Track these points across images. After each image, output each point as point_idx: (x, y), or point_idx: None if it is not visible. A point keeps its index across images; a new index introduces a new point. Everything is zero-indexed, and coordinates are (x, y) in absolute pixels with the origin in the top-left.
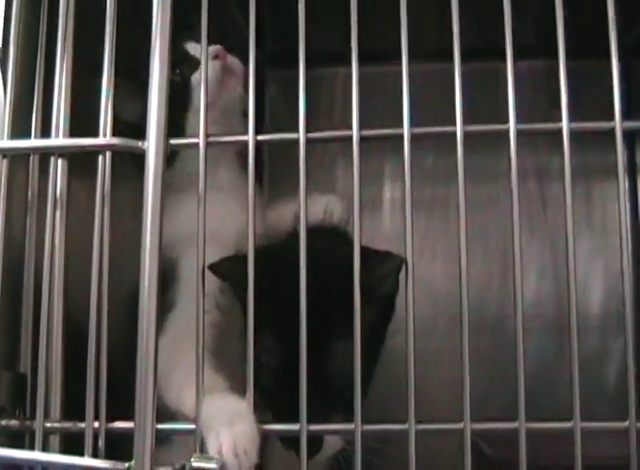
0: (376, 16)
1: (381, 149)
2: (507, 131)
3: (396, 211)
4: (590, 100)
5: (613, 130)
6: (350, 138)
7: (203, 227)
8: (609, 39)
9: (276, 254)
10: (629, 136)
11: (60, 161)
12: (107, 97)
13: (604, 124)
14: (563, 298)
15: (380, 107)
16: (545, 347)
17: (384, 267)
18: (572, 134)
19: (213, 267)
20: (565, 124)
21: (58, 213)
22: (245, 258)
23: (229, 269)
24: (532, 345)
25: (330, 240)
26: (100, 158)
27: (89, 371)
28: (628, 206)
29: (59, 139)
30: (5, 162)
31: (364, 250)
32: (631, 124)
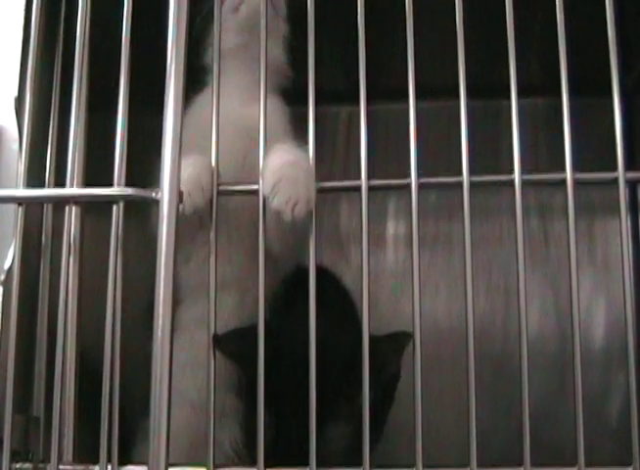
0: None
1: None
2: (512, 181)
3: (400, 248)
4: (592, 136)
5: (616, 180)
6: (359, 188)
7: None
8: (608, 77)
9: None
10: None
11: (74, 208)
12: (121, 148)
13: (607, 175)
14: (565, 333)
15: (383, 144)
16: (547, 382)
17: (387, 350)
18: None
19: (219, 343)
20: (569, 175)
21: (72, 259)
22: (249, 331)
23: (235, 346)
24: (534, 380)
25: (337, 319)
26: (114, 207)
27: (103, 414)
28: (630, 245)
29: (73, 189)
30: (21, 210)
31: (369, 336)
32: (634, 175)
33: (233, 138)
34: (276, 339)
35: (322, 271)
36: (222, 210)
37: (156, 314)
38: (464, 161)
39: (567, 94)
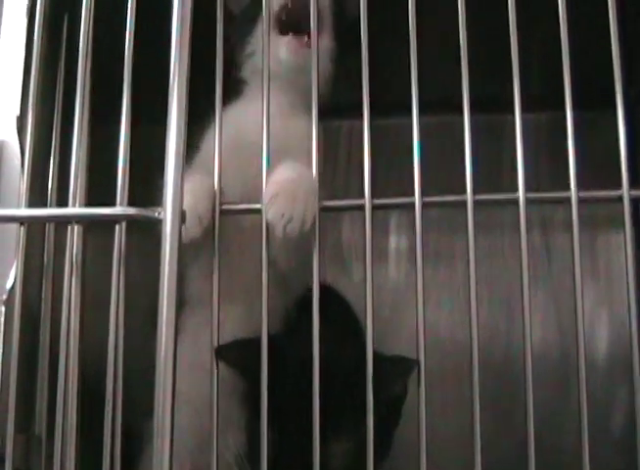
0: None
1: (385, 194)
2: (516, 200)
3: (402, 262)
4: (593, 149)
5: (620, 198)
6: (362, 207)
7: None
8: (610, 90)
9: (281, 345)
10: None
11: (76, 227)
12: (123, 167)
13: (612, 193)
14: (567, 347)
15: (384, 158)
16: (550, 395)
17: (394, 372)
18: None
19: (222, 353)
20: (573, 194)
21: (74, 278)
22: (253, 342)
23: (237, 356)
24: (537, 393)
25: (341, 337)
26: (116, 227)
27: (106, 434)
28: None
29: (76, 208)
30: (23, 229)
31: (375, 355)
32: (638, 193)
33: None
34: (281, 353)
35: (326, 289)
36: (233, 223)
37: (159, 334)
38: (468, 180)
39: (570, 112)
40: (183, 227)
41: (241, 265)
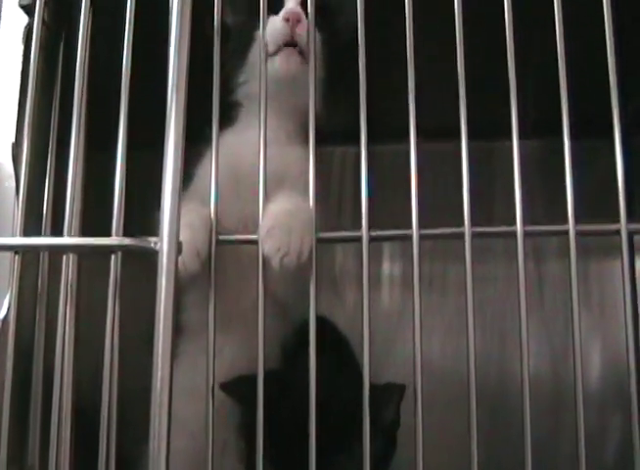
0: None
1: (380, 226)
2: (514, 233)
3: (395, 289)
4: (586, 177)
5: (618, 231)
6: (359, 239)
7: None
8: (603, 118)
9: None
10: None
11: (71, 255)
12: (119, 198)
13: (609, 227)
14: (559, 375)
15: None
16: (542, 424)
17: (384, 398)
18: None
19: (228, 388)
20: (571, 227)
21: (69, 306)
22: (254, 380)
23: (241, 390)
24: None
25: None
26: (112, 257)
27: (100, 462)
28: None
29: (71, 238)
30: (17, 258)
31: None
32: (635, 226)
33: (253, 180)
34: (280, 386)
35: (321, 321)
36: (231, 251)
37: (155, 364)
38: (465, 213)
39: (568, 142)
40: (181, 260)
41: (240, 294)
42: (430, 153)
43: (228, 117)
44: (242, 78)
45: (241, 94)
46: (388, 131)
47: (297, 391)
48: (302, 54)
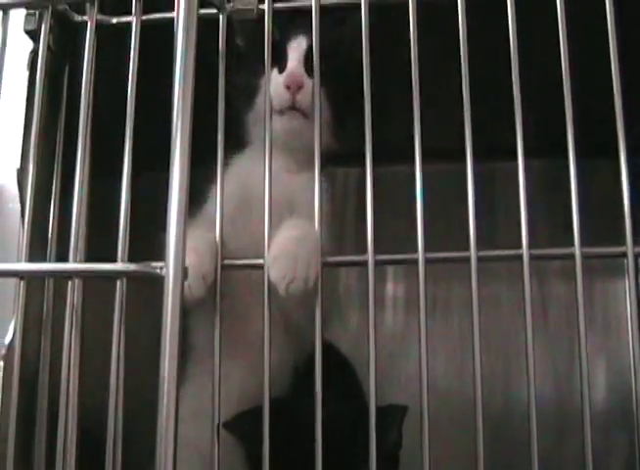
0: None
1: (383, 247)
2: (520, 256)
3: (399, 310)
4: (594, 197)
5: (624, 254)
6: (365, 263)
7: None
8: (606, 139)
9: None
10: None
11: (76, 281)
12: (124, 223)
13: (615, 249)
14: (563, 396)
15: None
16: (546, 445)
17: (387, 420)
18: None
19: (229, 428)
20: (577, 250)
21: (74, 331)
22: (257, 412)
23: (242, 428)
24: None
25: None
26: (117, 282)
27: None
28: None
29: (76, 264)
30: (22, 283)
31: (367, 410)
32: None
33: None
34: (289, 415)
35: (327, 347)
36: (239, 275)
37: (160, 390)
38: (471, 238)
39: (574, 169)
40: (186, 284)
41: (248, 319)
42: (432, 173)
43: (239, 145)
44: (251, 117)
45: (251, 122)
46: (390, 152)
47: (303, 418)
48: (306, 115)
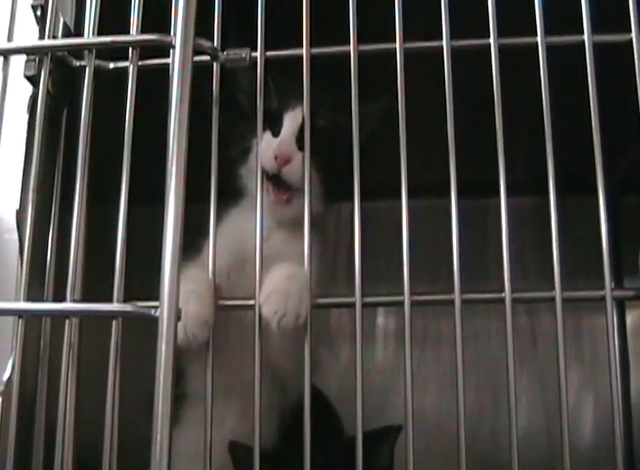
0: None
1: (374, 278)
2: (503, 299)
3: (389, 341)
4: (576, 233)
5: (603, 298)
6: (353, 304)
7: None
8: (593, 177)
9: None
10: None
11: (73, 320)
12: (120, 264)
13: (595, 293)
14: (553, 429)
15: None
16: None
17: (379, 442)
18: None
19: (234, 450)
20: (557, 293)
21: (71, 369)
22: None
23: (244, 459)
24: None
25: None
26: (113, 322)
27: None
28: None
29: (74, 304)
30: (21, 322)
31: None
32: (621, 293)
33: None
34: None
35: (315, 392)
36: (235, 318)
37: (154, 430)
38: (456, 282)
39: (555, 215)
40: (190, 330)
41: (242, 364)
42: (421, 209)
43: (235, 196)
44: (245, 171)
45: (245, 176)
46: (378, 188)
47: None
48: (291, 186)
